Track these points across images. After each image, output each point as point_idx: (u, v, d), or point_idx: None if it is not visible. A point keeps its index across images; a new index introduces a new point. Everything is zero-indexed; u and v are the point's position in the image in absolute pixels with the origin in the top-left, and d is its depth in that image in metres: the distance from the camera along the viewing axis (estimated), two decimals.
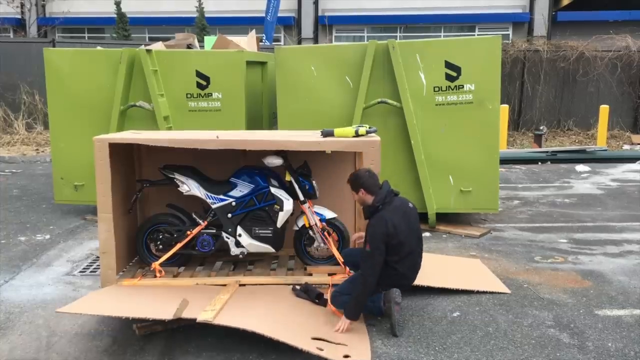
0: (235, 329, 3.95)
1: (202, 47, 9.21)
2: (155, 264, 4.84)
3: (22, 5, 20.75)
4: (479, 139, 6.61)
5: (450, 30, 20.85)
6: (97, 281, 5.03)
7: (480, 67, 6.54)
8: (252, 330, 3.75)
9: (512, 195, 8.70)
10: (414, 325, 4.27)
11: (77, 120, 7.20)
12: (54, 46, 14.38)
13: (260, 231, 4.89)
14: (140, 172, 5.37)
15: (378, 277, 4.02)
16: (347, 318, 4.02)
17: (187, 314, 3.90)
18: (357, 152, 5.26)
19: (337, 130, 4.67)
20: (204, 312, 3.92)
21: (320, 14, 20.46)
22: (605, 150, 12.26)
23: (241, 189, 4.87)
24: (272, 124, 8.19)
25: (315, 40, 20.36)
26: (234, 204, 4.87)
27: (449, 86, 6.58)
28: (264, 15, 16.97)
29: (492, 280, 5.10)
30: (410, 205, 4.27)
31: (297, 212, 5.00)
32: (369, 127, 4.74)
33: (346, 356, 3.70)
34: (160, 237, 4.99)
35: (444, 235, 6.63)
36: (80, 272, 5.49)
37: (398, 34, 20.62)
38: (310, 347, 3.69)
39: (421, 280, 4.87)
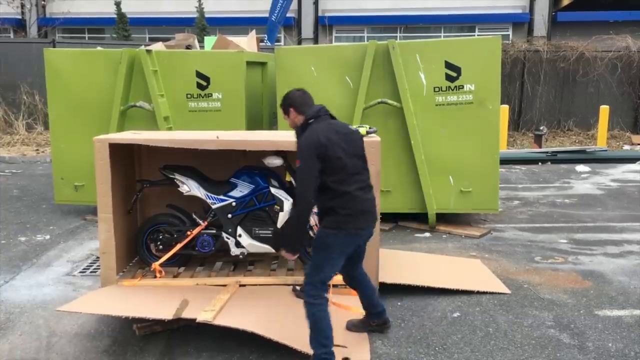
0: (236, 330, 3.95)
1: (202, 47, 9.21)
2: (156, 264, 4.84)
3: (23, 5, 20.75)
4: (479, 139, 6.61)
5: (450, 31, 20.85)
6: (97, 281, 5.02)
7: (481, 68, 6.54)
8: (251, 331, 3.75)
9: (512, 195, 8.70)
10: (414, 326, 4.27)
11: (78, 120, 7.20)
12: (54, 46, 14.39)
13: (260, 231, 4.89)
14: (140, 173, 5.37)
15: (328, 201, 3.56)
16: (284, 249, 3.70)
17: (187, 314, 3.90)
18: None
19: None
20: (203, 312, 3.92)
21: (320, 14, 20.46)
22: (606, 150, 12.26)
23: (241, 190, 4.87)
24: (272, 124, 8.19)
25: (316, 40, 20.36)
26: (234, 204, 4.87)
27: (449, 86, 6.58)
28: (264, 15, 16.95)
29: (492, 281, 5.10)
30: (353, 129, 3.86)
31: None
32: (369, 128, 4.74)
33: (346, 358, 3.70)
34: (161, 237, 4.99)
35: (444, 236, 6.63)
36: (81, 272, 5.49)
37: (398, 34, 20.62)
38: (309, 348, 3.69)
39: (421, 280, 4.89)
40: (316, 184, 3.51)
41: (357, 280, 4.04)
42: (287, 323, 4.07)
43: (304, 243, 3.67)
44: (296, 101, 3.77)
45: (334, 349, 3.62)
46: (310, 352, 3.61)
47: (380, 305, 4.11)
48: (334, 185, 3.56)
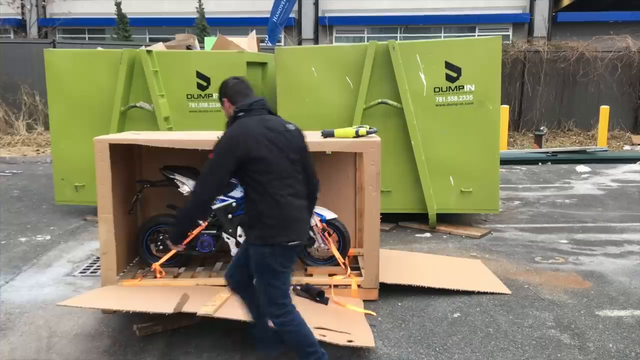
0: (236, 331, 3.95)
1: (202, 47, 9.21)
2: (156, 265, 4.84)
3: (23, 6, 20.76)
4: (480, 139, 6.61)
5: (450, 31, 20.85)
6: (97, 282, 5.02)
7: (481, 68, 6.54)
8: (253, 321, 3.74)
9: (513, 195, 8.69)
10: (414, 326, 4.27)
11: (78, 121, 7.20)
12: (54, 47, 14.40)
13: None
14: (140, 173, 5.37)
15: (212, 200, 3.31)
16: (170, 241, 3.42)
17: (187, 309, 3.90)
18: (358, 152, 5.27)
19: (337, 131, 4.67)
20: (204, 306, 3.92)
21: (320, 14, 20.46)
22: (606, 150, 12.26)
23: (241, 190, 4.86)
24: None
25: (316, 41, 20.36)
26: (234, 204, 4.87)
27: (449, 87, 6.58)
28: (264, 15, 16.94)
29: (492, 281, 5.10)
30: (291, 127, 3.36)
31: None
32: (370, 128, 4.74)
33: (350, 341, 3.71)
34: (161, 237, 4.98)
35: (444, 236, 6.63)
36: (81, 272, 5.49)
37: (398, 35, 20.62)
38: (314, 333, 3.69)
39: (422, 280, 4.89)
40: (221, 185, 3.19)
41: (251, 289, 3.53)
42: None
43: (184, 240, 3.35)
44: (229, 91, 3.46)
45: (337, 334, 3.61)
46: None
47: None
48: (259, 190, 3.18)
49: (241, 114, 3.31)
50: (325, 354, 3.40)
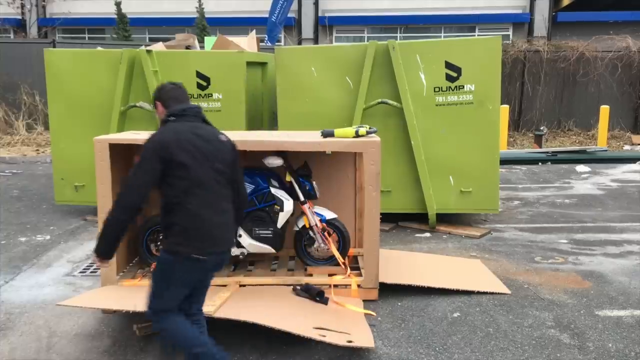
0: (236, 331, 3.95)
1: (202, 47, 9.21)
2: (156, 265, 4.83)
3: (23, 6, 20.76)
4: (479, 139, 6.61)
5: (450, 31, 20.85)
6: (97, 282, 5.03)
7: (481, 68, 6.54)
8: (252, 322, 3.74)
9: (513, 195, 8.70)
10: (414, 326, 4.27)
11: (78, 120, 7.20)
12: (54, 47, 14.40)
13: (260, 232, 4.88)
14: None
15: (140, 204, 3.05)
16: (95, 253, 3.15)
17: None
18: (357, 152, 5.27)
19: (337, 131, 4.67)
20: (204, 306, 3.91)
21: (320, 14, 20.46)
22: (606, 150, 12.26)
23: None
24: (273, 125, 8.19)
25: (316, 40, 20.36)
26: None
27: (449, 87, 6.58)
28: (264, 15, 16.94)
29: (492, 281, 5.10)
30: (224, 138, 3.29)
31: (298, 213, 5.00)
32: (369, 128, 4.74)
33: (349, 341, 3.72)
34: (161, 237, 4.98)
35: (444, 236, 6.63)
36: (81, 272, 5.49)
37: (398, 35, 20.62)
38: (313, 334, 3.70)
39: (422, 280, 4.89)
40: (146, 189, 3.01)
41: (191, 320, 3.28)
42: (288, 315, 4.08)
43: (114, 253, 3.14)
44: (164, 95, 3.33)
45: (337, 334, 3.61)
46: (312, 337, 3.62)
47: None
48: (175, 197, 3.05)
49: (172, 118, 3.21)
50: (212, 350, 3.18)
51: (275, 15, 14.77)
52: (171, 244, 3.07)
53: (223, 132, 3.35)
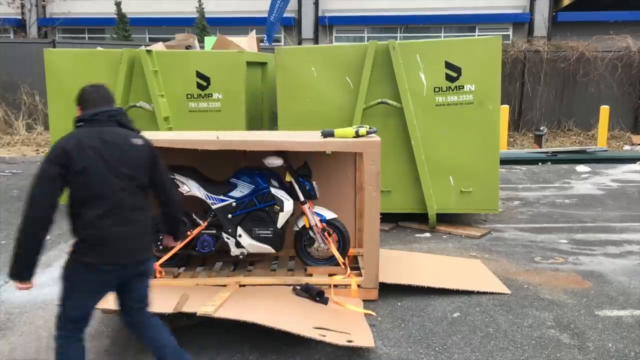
0: (235, 330, 3.95)
1: (202, 47, 9.21)
2: (156, 265, 4.84)
3: (23, 5, 20.76)
4: (479, 139, 6.61)
5: (450, 31, 20.85)
6: None
7: (481, 68, 6.54)
8: (252, 322, 3.74)
9: (513, 195, 8.70)
10: (414, 326, 4.27)
11: None
12: (54, 47, 14.40)
13: (260, 232, 4.89)
14: None
15: (49, 210, 2.90)
16: (11, 277, 2.97)
17: (187, 309, 3.90)
18: (358, 152, 5.27)
19: (337, 131, 4.67)
20: (204, 306, 3.92)
21: (320, 14, 20.46)
22: (606, 150, 12.26)
23: (241, 190, 4.87)
24: (273, 125, 8.20)
25: (316, 40, 20.36)
26: (234, 204, 4.87)
27: (449, 87, 6.58)
28: (264, 15, 16.96)
29: (492, 281, 5.10)
30: (137, 142, 3.10)
31: (298, 213, 5.00)
32: (369, 128, 4.74)
33: (349, 341, 3.72)
34: (160, 237, 4.97)
35: (444, 236, 6.63)
36: None
37: (398, 35, 20.62)
38: (313, 334, 3.70)
39: (421, 280, 4.89)
40: (51, 197, 2.87)
41: (142, 329, 3.24)
42: (288, 315, 4.08)
43: (33, 274, 2.95)
44: (80, 99, 3.19)
45: (337, 334, 3.60)
46: (312, 337, 3.62)
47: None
48: (74, 207, 2.95)
49: (80, 123, 3.06)
50: None
51: (274, 15, 14.78)
52: (74, 252, 2.98)
53: (141, 134, 3.20)
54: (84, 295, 3.00)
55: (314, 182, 4.92)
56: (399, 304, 4.65)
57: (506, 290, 4.91)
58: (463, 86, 6.56)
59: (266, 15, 16.30)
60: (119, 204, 2.97)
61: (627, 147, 13.67)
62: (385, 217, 6.41)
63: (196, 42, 8.74)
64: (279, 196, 4.84)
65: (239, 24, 19.22)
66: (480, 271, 5.38)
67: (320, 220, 4.92)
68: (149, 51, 7.11)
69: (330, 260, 5.05)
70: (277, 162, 4.77)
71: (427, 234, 6.69)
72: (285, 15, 20.20)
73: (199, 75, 7.15)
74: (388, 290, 4.72)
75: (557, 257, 5.85)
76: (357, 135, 4.63)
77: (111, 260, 2.96)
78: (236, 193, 4.88)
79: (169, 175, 4.93)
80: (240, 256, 4.98)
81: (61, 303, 3.02)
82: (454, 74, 6.56)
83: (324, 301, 4.41)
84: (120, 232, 2.97)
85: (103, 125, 3.04)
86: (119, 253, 2.98)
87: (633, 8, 18.69)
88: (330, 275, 4.86)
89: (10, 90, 14.45)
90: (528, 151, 12.37)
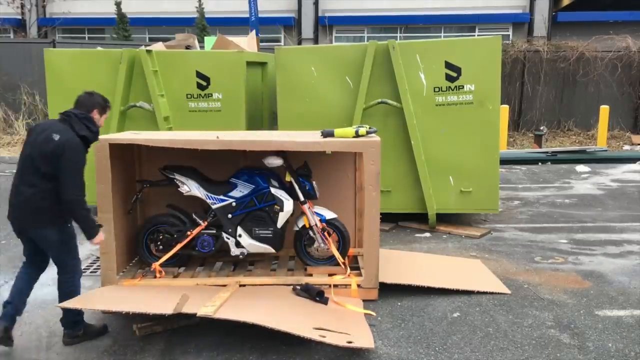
0: (236, 330, 3.95)
1: (202, 47, 9.21)
2: (156, 265, 4.84)
3: (23, 5, 20.76)
4: (479, 139, 6.61)
5: (450, 31, 20.85)
6: (97, 282, 5.02)
7: (481, 68, 6.54)
8: (252, 323, 3.74)
9: (513, 195, 8.70)
10: (414, 326, 4.27)
11: None
12: (54, 47, 14.39)
13: (260, 232, 4.89)
14: (140, 173, 5.37)
15: None
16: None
17: (187, 309, 3.90)
18: (357, 152, 5.27)
19: (337, 131, 4.67)
20: (204, 307, 3.92)
21: (320, 14, 20.46)
22: (606, 150, 12.26)
23: (241, 190, 4.87)
24: (272, 125, 8.19)
25: (316, 40, 20.36)
26: (234, 204, 4.87)
27: (449, 86, 6.58)
28: (264, 15, 16.98)
29: (492, 281, 5.10)
30: (53, 137, 3.78)
31: (297, 213, 5.00)
32: (369, 128, 4.74)
33: (349, 342, 3.72)
34: (161, 237, 4.98)
35: (444, 236, 6.63)
36: None
37: (398, 34, 20.62)
38: (313, 335, 3.70)
39: (421, 280, 4.89)
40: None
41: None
42: (288, 316, 4.08)
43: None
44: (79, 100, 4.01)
45: (337, 335, 3.63)
46: (312, 337, 3.64)
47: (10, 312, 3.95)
48: None
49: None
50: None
51: (253, 14, 14.75)
52: None
53: (58, 132, 3.78)
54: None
55: (314, 182, 4.92)
56: (399, 304, 4.65)
57: (506, 290, 4.91)
58: (463, 86, 6.56)
59: (265, 16, 16.32)
60: (19, 178, 3.92)
61: (627, 147, 13.67)
62: (385, 217, 6.41)
63: (196, 42, 8.73)
64: (279, 196, 4.84)
65: (239, 24, 19.19)
66: (480, 271, 5.38)
67: (320, 220, 4.92)
68: (149, 51, 7.11)
69: (330, 260, 5.06)
70: (277, 162, 4.77)
71: (427, 234, 6.69)
72: (285, 15, 20.26)
73: (199, 75, 7.14)
74: (388, 290, 4.73)
75: (557, 257, 5.85)
76: (357, 135, 4.63)
77: (9, 218, 3.95)
78: (236, 193, 4.88)
79: (169, 174, 4.94)
80: (240, 256, 4.98)
81: None
82: (454, 74, 6.56)
83: (324, 301, 4.41)
84: (12, 200, 3.91)
85: (57, 120, 3.92)
86: (9, 215, 3.94)
87: (633, 8, 18.69)
88: (330, 275, 4.86)
89: (10, 90, 14.45)
90: (528, 151, 12.37)
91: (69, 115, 3.87)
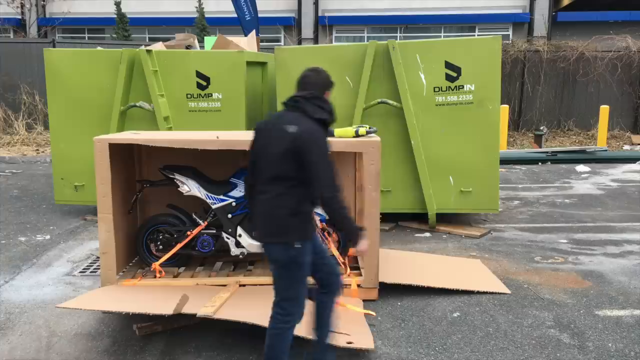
0: (236, 330, 3.95)
1: (202, 47, 9.21)
2: (156, 265, 4.84)
3: (23, 5, 20.75)
4: (479, 139, 6.61)
5: (450, 31, 20.85)
6: (97, 281, 5.03)
7: (481, 68, 6.54)
8: (252, 323, 3.74)
9: (513, 195, 8.70)
10: (414, 326, 4.27)
11: (77, 120, 7.20)
12: (54, 46, 14.39)
13: None
14: (140, 173, 5.37)
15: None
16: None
17: (187, 310, 3.90)
18: (357, 152, 5.27)
19: (337, 131, 4.67)
20: (204, 307, 3.92)
21: (320, 14, 20.46)
22: (606, 150, 12.26)
23: (241, 189, 4.87)
24: None
25: (316, 40, 20.36)
26: (234, 204, 4.87)
27: (449, 86, 6.58)
28: (264, 15, 16.93)
29: (492, 281, 5.10)
30: (290, 130, 3.12)
31: None
32: (369, 128, 4.74)
33: (349, 342, 3.72)
34: (161, 237, 4.99)
35: (444, 236, 6.63)
36: (81, 272, 5.49)
37: (398, 34, 20.62)
38: (313, 335, 3.69)
39: (421, 280, 4.89)
40: (249, 168, 3.36)
41: None
42: None
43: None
44: (301, 78, 3.41)
45: (337, 335, 3.64)
46: (312, 338, 3.64)
47: None
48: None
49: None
50: None
51: (248, 13, 14.68)
52: None
53: (292, 123, 3.19)
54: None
55: None
56: (399, 304, 4.65)
57: (506, 290, 4.91)
58: (463, 86, 6.56)
59: (265, 16, 16.29)
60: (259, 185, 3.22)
61: (626, 147, 13.66)
62: (385, 217, 6.41)
63: (196, 42, 8.74)
64: None
65: (239, 24, 19.19)
66: (480, 271, 5.38)
67: (320, 220, 4.92)
68: (148, 51, 7.10)
69: None
70: None
71: (427, 234, 6.69)
72: (285, 15, 20.26)
73: (199, 75, 7.14)
74: (388, 290, 4.73)
75: (557, 257, 5.85)
76: (357, 134, 4.62)
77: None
78: (236, 193, 4.88)
79: (169, 174, 4.94)
80: (240, 256, 4.98)
81: None
82: (454, 74, 6.56)
83: None
84: (253, 210, 3.28)
85: (286, 109, 3.27)
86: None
87: (633, 8, 18.70)
88: None
89: (10, 90, 14.45)
90: (528, 151, 12.37)
91: (296, 100, 3.25)
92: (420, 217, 6.95)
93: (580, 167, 10.85)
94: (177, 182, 4.91)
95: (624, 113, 14.90)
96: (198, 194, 4.88)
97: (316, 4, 20.44)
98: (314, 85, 3.33)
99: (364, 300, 4.61)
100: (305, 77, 3.34)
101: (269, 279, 4.75)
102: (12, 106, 14.51)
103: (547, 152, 11.93)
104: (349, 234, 3.33)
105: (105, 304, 4.22)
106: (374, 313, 4.43)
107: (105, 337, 4.12)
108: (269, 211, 3.16)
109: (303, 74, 3.36)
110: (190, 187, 4.88)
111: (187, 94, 7.18)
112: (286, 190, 3.13)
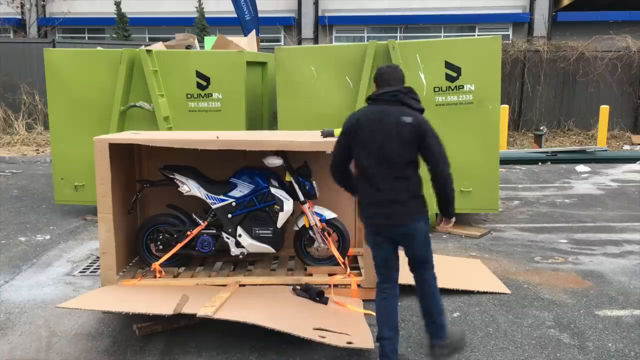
0: (235, 330, 3.95)
1: (202, 47, 9.21)
2: (156, 265, 4.84)
3: (22, 5, 20.76)
4: (479, 139, 6.61)
5: (450, 31, 20.86)
6: (97, 281, 5.03)
7: (481, 68, 6.54)
8: (252, 323, 3.74)
9: (513, 195, 8.70)
10: (414, 326, 4.27)
11: (77, 120, 7.20)
12: (54, 46, 14.39)
13: (260, 231, 4.89)
14: (140, 173, 5.37)
15: (338, 173, 3.79)
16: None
17: (187, 310, 3.90)
18: None
19: (337, 131, 4.65)
20: (204, 307, 3.92)
21: (320, 14, 20.46)
22: (606, 150, 12.26)
23: (241, 190, 4.87)
24: (272, 125, 8.19)
25: (316, 40, 20.36)
26: (234, 204, 4.87)
27: (449, 86, 6.58)
28: (264, 15, 16.92)
29: (492, 281, 5.10)
30: (407, 120, 3.49)
31: (297, 213, 5.00)
32: None
33: (349, 342, 3.72)
34: (161, 237, 4.99)
35: (444, 236, 6.63)
36: (81, 272, 5.49)
37: (398, 34, 20.62)
38: (313, 335, 3.70)
39: None
40: (338, 157, 3.76)
41: (416, 284, 3.89)
42: (288, 316, 4.08)
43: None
44: (379, 76, 3.60)
45: (337, 335, 3.67)
46: (312, 338, 3.65)
47: (431, 324, 3.71)
48: (359, 170, 3.74)
49: (369, 101, 3.61)
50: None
51: (248, 13, 14.67)
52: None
53: (405, 114, 3.55)
54: (372, 249, 3.76)
55: (313, 182, 4.92)
56: (399, 304, 4.64)
57: (506, 290, 4.91)
58: (463, 86, 6.56)
59: (265, 16, 16.28)
60: (377, 179, 3.55)
61: (627, 147, 13.67)
62: None
63: (196, 42, 8.74)
64: (278, 196, 4.84)
65: (239, 24, 19.19)
66: (480, 271, 5.38)
67: (320, 220, 4.92)
68: (148, 51, 7.11)
69: (330, 260, 5.05)
70: (277, 161, 4.77)
71: None
72: (285, 14, 20.25)
73: (199, 75, 7.14)
74: None
75: (557, 257, 5.85)
76: None
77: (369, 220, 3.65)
78: (236, 193, 4.88)
79: (168, 174, 4.94)
80: (240, 256, 4.98)
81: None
82: (454, 74, 6.56)
83: (324, 301, 4.41)
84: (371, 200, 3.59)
85: (382, 103, 3.52)
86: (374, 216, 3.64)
87: (633, 8, 18.70)
88: (330, 275, 4.85)
89: (10, 90, 14.45)
90: (528, 151, 12.37)
91: (394, 95, 3.49)
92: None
93: (580, 167, 10.85)
94: (177, 182, 4.91)
95: (624, 113, 14.90)
96: (198, 194, 4.88)
97: (316, 4, 20.44)
98: (400, 81, 3.60)
99: (364, 300, 4.60)
100: (386, 73, 3.58)
101: (269, 279, 4.78)
102: (12, 106, 14.51)
103: (547, 152, 11.93)
104: (450, 206, 3.69)
105: (105, 304, 4.22)
106: (374, 313, 4.42)
107: (105, 337, 4.12)
108: (416, 192, 3.59)
109: (382, 71, 3.60)
110: (190, 187, 4.88)
111: (187, 94, 7.18)
112: (415, 172, 3.59)
